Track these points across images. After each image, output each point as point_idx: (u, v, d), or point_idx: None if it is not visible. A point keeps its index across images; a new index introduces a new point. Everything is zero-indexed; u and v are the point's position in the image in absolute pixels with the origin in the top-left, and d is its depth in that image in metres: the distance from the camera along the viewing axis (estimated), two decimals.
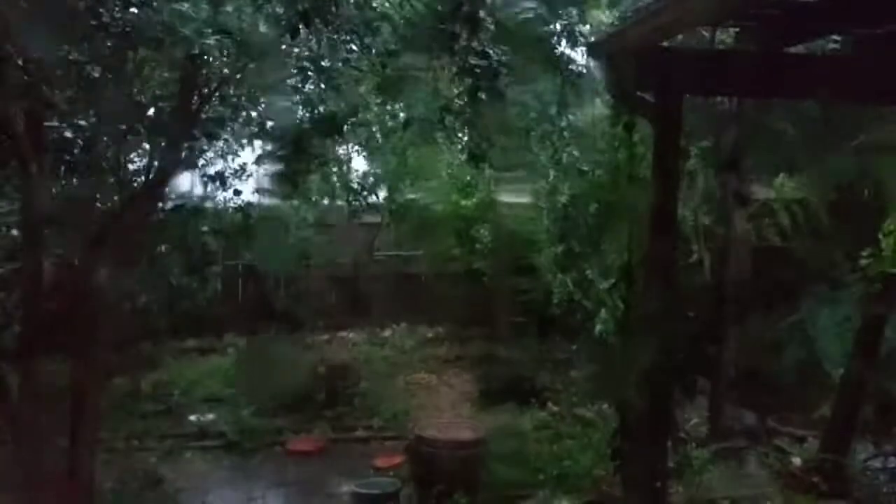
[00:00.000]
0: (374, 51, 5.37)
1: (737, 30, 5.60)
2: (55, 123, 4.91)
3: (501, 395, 9.26)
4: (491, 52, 4.99)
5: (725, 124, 7.75)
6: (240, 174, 9.79)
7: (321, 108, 5.55)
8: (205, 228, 10.48)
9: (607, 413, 7.67)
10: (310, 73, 5.23)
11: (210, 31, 4.17)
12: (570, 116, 8.70)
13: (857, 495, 6.54)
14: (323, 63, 5.12)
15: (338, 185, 13.19)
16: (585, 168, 8.69)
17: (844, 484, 6.58)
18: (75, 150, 4.70)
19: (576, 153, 8.82)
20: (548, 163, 8.84)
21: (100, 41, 4.38)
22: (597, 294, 8.98)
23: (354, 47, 5.54)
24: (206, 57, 4.34)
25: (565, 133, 8.56)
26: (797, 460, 7.13)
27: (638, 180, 6.53)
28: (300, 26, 4.30)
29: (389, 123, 10.30)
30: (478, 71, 4.92)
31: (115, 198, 5.44)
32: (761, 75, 4.78)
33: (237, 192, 9.72)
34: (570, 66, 7.90)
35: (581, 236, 9.48)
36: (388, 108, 9.43)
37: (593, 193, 9.18)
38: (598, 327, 8.85)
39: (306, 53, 5.13)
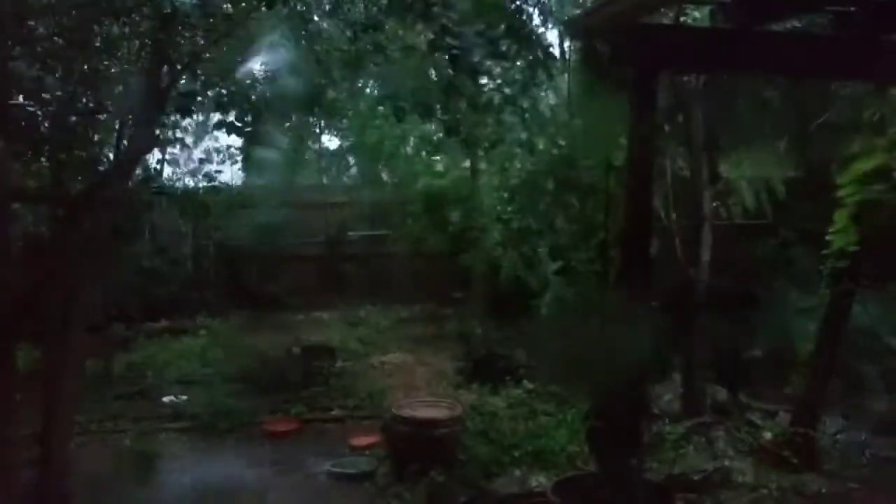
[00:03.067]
0: (347, 24, 5.29)
1: (711, 7, 5.61)
2: (20, 101, 4.79)
3: (477, 374, 9.30)
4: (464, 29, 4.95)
5: (694, 102, 7.76)
6: (210, 153, 9.67)
7: (294, 83, 5.47)
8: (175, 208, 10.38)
9: (581, 390, 7.73)
10: (283, 46, 5.15)
11: None
12: (541, 94, 8.70)
13: (826, 468, 6.66)
14: (297, 36, 5.04)
15: (310, 162, 13.11)
16: (548, 145, 8.73)
17: (814, 457, 6.70)
18: (43, 127, 4.59)
19: (541, 131, 8.84)
20: (515, 141, 8.85)
21: (66, 12, 4.27)
22: (544, 275, 9.08)
23: (326, 25, 5.47)
24: (178, 25, 4.23)
25: (528, 110, 8.56)
26: (768, 435, 7.25)
27: (610, 158, 6.56)
28: None
29: (362, 100, 10.23)
30: (454, 48, 4.86)
31: (85, 176, 5.34)
32: (738, 53, 4.80)
33: (205, 169, 9.58)
34: (542, 43, 7.87)
35: (537, 213, 9.54)
36: (361, 84, 9.35)
37: (552, 171, 9.23)
38: (543, 310, 8.98)
39: (279, 28, 5.05)
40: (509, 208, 10.39)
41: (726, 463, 6.65)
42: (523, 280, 9.83)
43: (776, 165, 8.64)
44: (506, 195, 10.75)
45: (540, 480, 6.35)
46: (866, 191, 6.20)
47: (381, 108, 9.19)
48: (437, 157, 12.51)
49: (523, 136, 8.32)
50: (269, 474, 7.10)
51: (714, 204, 8.04)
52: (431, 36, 5.05)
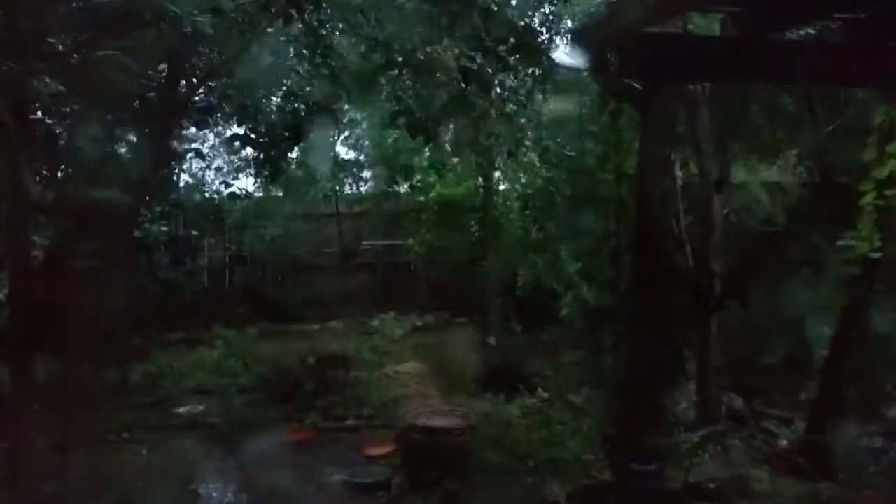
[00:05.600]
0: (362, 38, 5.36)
1: (721, 16, 5.64)
2: (40, 115, 4.88)
3: (491, 382, 9.30)
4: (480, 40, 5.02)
5: (704, 109, 7.77)
6: (227, 164, 9.77)
7: (311, 96, 5.54)
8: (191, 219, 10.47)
9: (596, 398, 7.73)
10: (299, 60, 5.23)
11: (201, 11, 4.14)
12: (552, 104, 8.75)
13: (842, 476, 6.62)
14: (312, 51, 5.11)
15: (324, 173, 13.19)
16: (565, 154, 8.75)
17: (830, 464, 6.66)
18: (63, 141, 4.67)
19: (555, 140, 8.87)
20: (529, 150, 8.88)
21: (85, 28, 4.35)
22: (567, 278, 9.07)
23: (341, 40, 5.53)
24: (196, 40, 4.29)
25: (543, 120, 8.60)
26: (783, 442, 7.22)
27: (622, 166, 6.59)
28: (292, 12, 4.28)
29: (377, 111, 10.30)
30: (471, 60, 4.92)
31: (104, 189, 5.42)
32: (747, 61, 4.81)
33: (221, 180, 9.69)
34: (553, 54, 7.93)
35: (557, 219, 9.56)
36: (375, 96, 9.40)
37: (570, 179, 9.26)
38: (564, 311, 8.97)
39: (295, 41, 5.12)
40: (525, 213, 10.44)
41: (742, 471, 6.63)
42: (543, 285, 9.83)
43: (787, 171, 8.63)
44: (518, 203, 10.80)
45: (554, 489, 6.35)
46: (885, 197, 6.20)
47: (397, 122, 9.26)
48: (452, 167, 12.55)
49: (537, 143, 8.37)
50: (283, 483, 7.13)
51: (725, 210, 8.03)
52: (457, 51, 5.12)
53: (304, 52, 5.35)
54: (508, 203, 11.36)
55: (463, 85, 5.20)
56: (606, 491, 5.57)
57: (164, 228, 9.74)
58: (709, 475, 6.49)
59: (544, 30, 7.63)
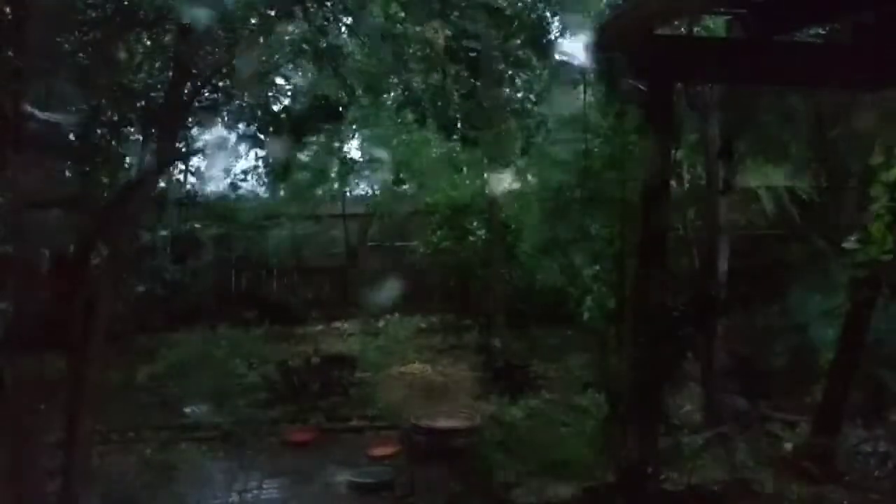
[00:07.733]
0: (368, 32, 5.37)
1: (728, 18, 5.62)
2: (45, 114, 4.88)
3: (496, 384, 9.29)
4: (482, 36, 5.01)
5: (711, 112, 7.75)
6: (233, 164, 9.79)
7: (317, 94, 5.55)
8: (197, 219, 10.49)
9: (600, 400, 7.71)
10: (303, 57, 5.23)
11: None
12: (560, 104, 8.72)
13: (848, 479, 6.59)
14: (317, 46, 5.11)
15: (331, 173, 13.18)
16: (572, 154, 8.71)
17: (835, 468, 6.63)
18: (67, 140, 4.69)
19: (564, 140, 8.83)
20: (537, 150, 8.86)
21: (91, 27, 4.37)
22: (582, 281, 9.02)
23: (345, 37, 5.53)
24: (200, 38, 4.30)
25: (551, 121, 8.58)
26: (789, 445, 7.19)
27: (628, 168, 6.56)
28: (294, 7, 4.28)
29: (385, 112, 10.29)
30: (472, 55, 4.92)
31: (109, 188, 5.44)
32: (753, 63, 4.81)
33: (227, 180, 9.71)
34: (561, 54, 7.91)
35: (569, 222, 9.51)
36: (384, 95, 9.40)
37: (580, 181, 9.22)
38: (586, 315, 8.92)
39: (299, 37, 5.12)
40: (534, 217, 10.40)
41: (746, 474, 6.60)
42: (549, 288, 9.81)
43: (794, 174, 8.60)
44: (528, 205, 10.76)
45: (558, 491, 6.33)
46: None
47: (401, 119, 9.23)
48: (460, 169, 12.53)
49: (546, 145, 8.35)
50: (288, 484, 7.14)
51: (733, 213, 8.02)
52: (449, 34, 5.10)
53: (309, 49, 5.35)
54: (517, 205, 11.33)
55: (473, 81, 5.19)
56: (610, 493, 5.56)
57: (168, 229, 9.76)
58: (712, 478, 6.47)
59: (554, 26, 7.62)
